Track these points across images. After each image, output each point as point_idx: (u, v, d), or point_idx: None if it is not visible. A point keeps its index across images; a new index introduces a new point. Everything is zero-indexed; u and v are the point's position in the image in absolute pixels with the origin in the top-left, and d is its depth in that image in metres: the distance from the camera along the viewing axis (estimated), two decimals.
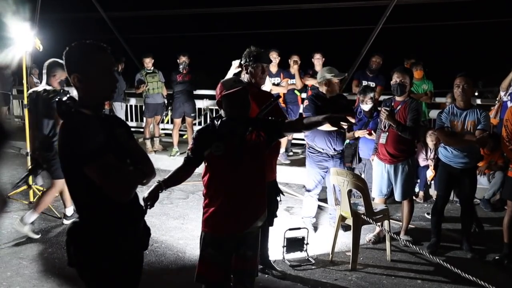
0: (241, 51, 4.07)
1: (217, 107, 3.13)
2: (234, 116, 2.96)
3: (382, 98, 7.47)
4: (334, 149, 5.14)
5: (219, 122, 2.95)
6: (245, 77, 3.94)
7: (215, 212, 2.96)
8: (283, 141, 7.84)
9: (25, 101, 6.19)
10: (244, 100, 2.98)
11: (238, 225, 3.01)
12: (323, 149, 5.17)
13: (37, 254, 4.63)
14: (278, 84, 7.61)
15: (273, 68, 7.59)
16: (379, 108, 5.48)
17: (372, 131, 5.65)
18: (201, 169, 3.07)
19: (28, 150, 6.12)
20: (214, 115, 4.71)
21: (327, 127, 5.03)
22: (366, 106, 5.81)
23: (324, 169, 5.22)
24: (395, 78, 4.80)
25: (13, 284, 4.02)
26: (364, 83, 7.35)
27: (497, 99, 7.17)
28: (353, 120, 5.20)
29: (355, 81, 7.62)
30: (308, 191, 5.36)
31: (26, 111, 6.24)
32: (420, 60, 7.72)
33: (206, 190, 3.04)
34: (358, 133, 5.78)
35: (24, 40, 5.80)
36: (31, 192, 6.08)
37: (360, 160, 6.03)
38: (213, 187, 2.98)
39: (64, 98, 2.18)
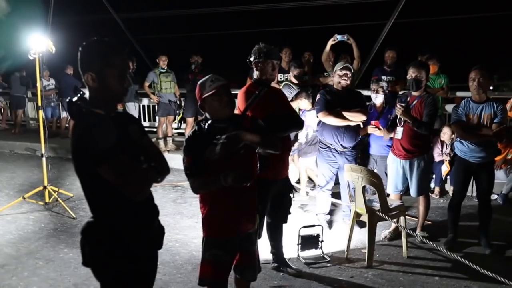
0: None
1: None
2: (221, 118, 2.84)
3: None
4: (342, 145, 5.09)
5: (207, 126, 2.82)
6: (255, 74, 3.92)
7: (219, 215, 2.92)
8: None
9: (39, 103, 6.25)
10: (225, 99, 2.82)
11: (244, 225, 3.00)
12: (331, 145, 5.13)
13: (53, 254, 4.66)
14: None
15: (285, 64, 7.59)
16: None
17: (381, 126, 5.58)
18: None
19: (43, 151, 6.18)
20: None
21: (336, 121, 5.02)
22: (378, 97, 5.70)
23: (334, 165, 5.18)
24: (411, 73, 4.73)
25: (30, 284, 4.06)
26: (384, 79, 7.27)
27: None
28: (363, 118, 5.17)
29: (374, 78, 7.52)
30: (320, 186, 5.34)
31: (40, 112, 6.31)
32: (435, 54, 7.59)
33: (203, 195, 2.97)
34: (370, 130, 5.72)
35: (38, 43, 5.85)
36: (46, 192, 6.13)
37: (368, 156, 5.96)
38: (211, 191, 2.89)
39: (75, 99, 2.17)
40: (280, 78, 7.58)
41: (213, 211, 2.93)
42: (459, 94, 8.10)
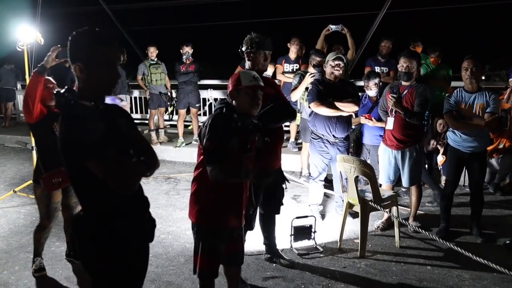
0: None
1: (221, 97, 3.06)
2: (248, 112, 2.92)
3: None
4: (334, 135, 5.08)
5: (236, 116, 2.87)
6: (246, 64, 3.89)
7: (218, 206, 2.93)
8: (292, 130, 7.79)
9: None
10: (258, 99, 2.95)
11: (241, 217, 3.01)
12: (323, 135, 5.12)
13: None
14: (298, 70, 7.51)
15: (293, 54, 7.59)
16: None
17: (373, 118, 5.58)
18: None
19: (33, 144, 6.11)
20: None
21: (328, 112, 5.00)
22: (371, 92, 5.76)
23: (327, 155, 5.17)
24: (402, 63, 4.71)
25: (21, 278, 4.03)
26: (377, 69, 7.26)
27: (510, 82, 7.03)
28: (356, 108, 5.16)
29: (367, 68, 7.51)
30: (313, 178, 5.34)
31: None
32: (439, 46, 7.48)
33: (203, 183, 2.96)
34: (363, 121, 5.72)
35: (26, 34, 5.76)
36: None
37: (361, 146, 5.97)
38: (210, 184, 2.89)
39: (62, 91, 2.12)
40: (286, 68, 7.58)
41: (213, 198, 2.93)
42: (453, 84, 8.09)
